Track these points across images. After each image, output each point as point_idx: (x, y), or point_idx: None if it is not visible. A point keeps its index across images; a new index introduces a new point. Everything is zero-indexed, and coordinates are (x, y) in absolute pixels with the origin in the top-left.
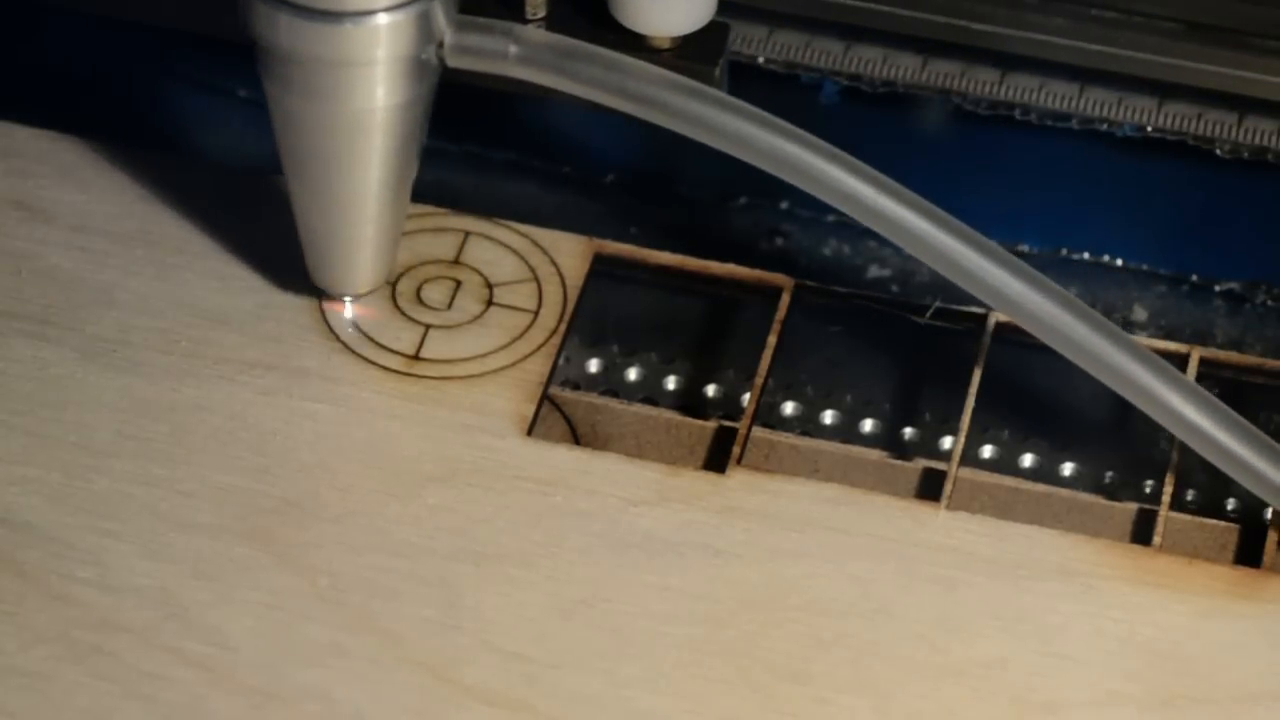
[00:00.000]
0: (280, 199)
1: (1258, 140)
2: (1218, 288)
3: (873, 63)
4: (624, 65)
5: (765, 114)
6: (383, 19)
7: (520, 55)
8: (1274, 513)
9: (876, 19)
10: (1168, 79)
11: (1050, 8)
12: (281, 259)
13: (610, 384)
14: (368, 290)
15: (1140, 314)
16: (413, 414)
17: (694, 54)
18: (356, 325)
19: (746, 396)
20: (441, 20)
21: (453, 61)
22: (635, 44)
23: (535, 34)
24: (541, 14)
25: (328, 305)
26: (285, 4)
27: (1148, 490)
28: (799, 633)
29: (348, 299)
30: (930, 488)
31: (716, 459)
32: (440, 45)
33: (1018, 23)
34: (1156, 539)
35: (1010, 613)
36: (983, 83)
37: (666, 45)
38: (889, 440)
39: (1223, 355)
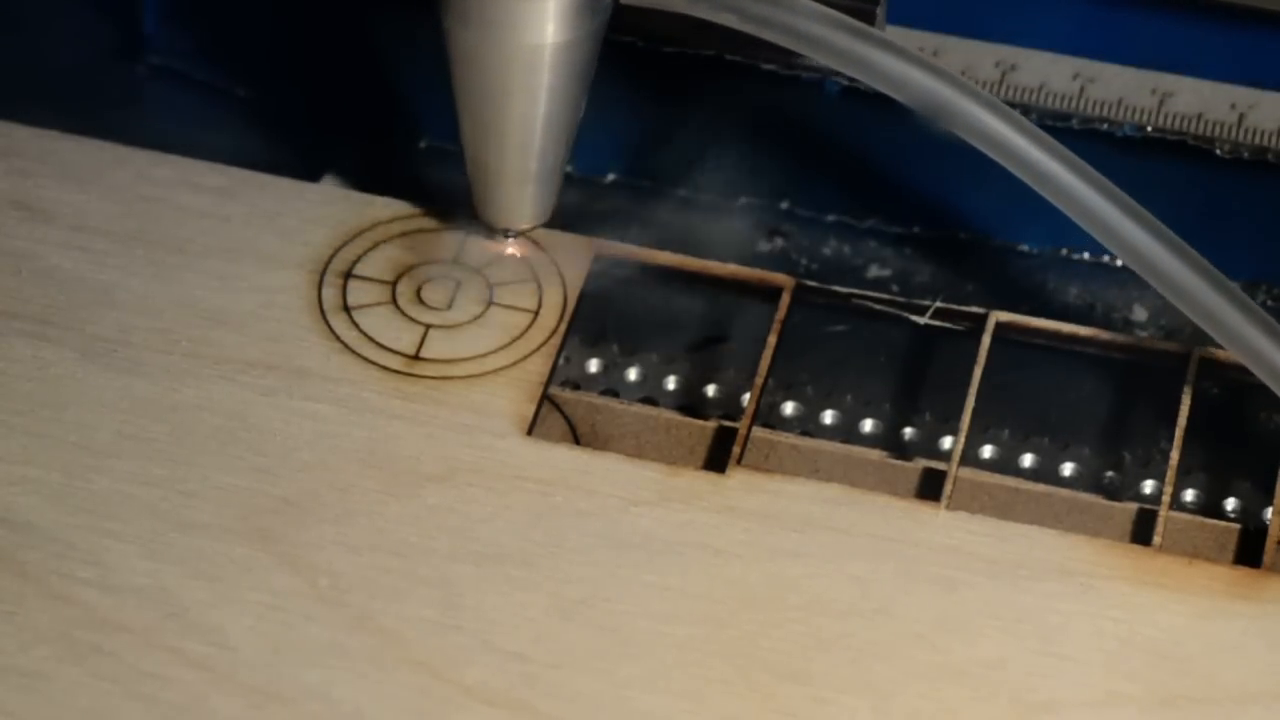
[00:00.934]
0: (280, 198)
1: (1258, 140)
2: None
3: None
4: (792, 2)
5: (923, 57)
6: None
7: None
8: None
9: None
10: None
11: None
12: (281, 259)
13: (610, 384)
14: (530, 226)
15: (1140, 314)
16: (413, 414)
17: None
18: (358, 325)
19: (746, 396)
20: None
21: None
22: None
23: None
24: None
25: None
26: None
27: (1148, 490)
28: (799, 633)
29: (510, 234)
30: (930, 488)
31: (716, 459)
32: None
33: None
34: (1156, 539)
35: (1010, 613)
36: (983, 83)
37: None
38: (889, 440)
39: (1223, 355)
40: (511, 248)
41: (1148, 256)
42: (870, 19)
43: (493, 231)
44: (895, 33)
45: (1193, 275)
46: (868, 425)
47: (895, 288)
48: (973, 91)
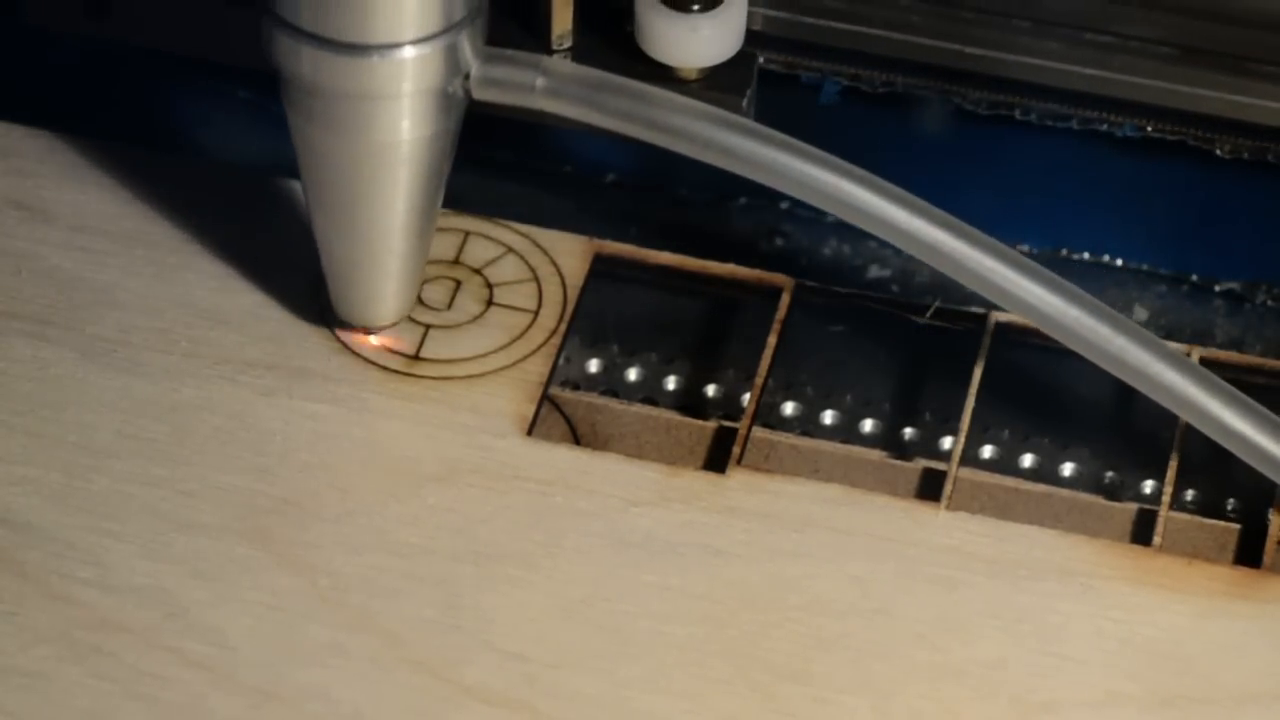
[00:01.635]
0: (280, 199)
1: (1258, 140)
2: (1218, 288)
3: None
4: (653, 97)
5: (797, 141)
6: (409, 52)
7: (547, 88)
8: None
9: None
10: (1162, 103)
11: (1044, 32)
12: (281, 259)
13: (610, 384)
14: (390, 323)
15: (1140, 314)
16: (413, 414)
17: (721, 84)
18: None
19: (746, 396)
20: (468, 52)
21: (479, 94)
22: (662, 75)
23: (563, 66)
24: (568, 44)
25: (344, 335)
26: (309, 35)
27: (1148, 490)
28: (799, 633)
29: (371, 333)
30: (930, 488)
31: (716, 459)
32: (466, 78)
33: (1012, 47)
34: (1156, 539)
35: (1010, 613)
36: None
37: (694, 76)
38: (889, 440)
39: (1223, 355)
40: (377, 340)
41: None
42: (737, 110)
43: (352, 329)
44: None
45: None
46: (868, 425)
47: (895, 288)
48: (851, 173)
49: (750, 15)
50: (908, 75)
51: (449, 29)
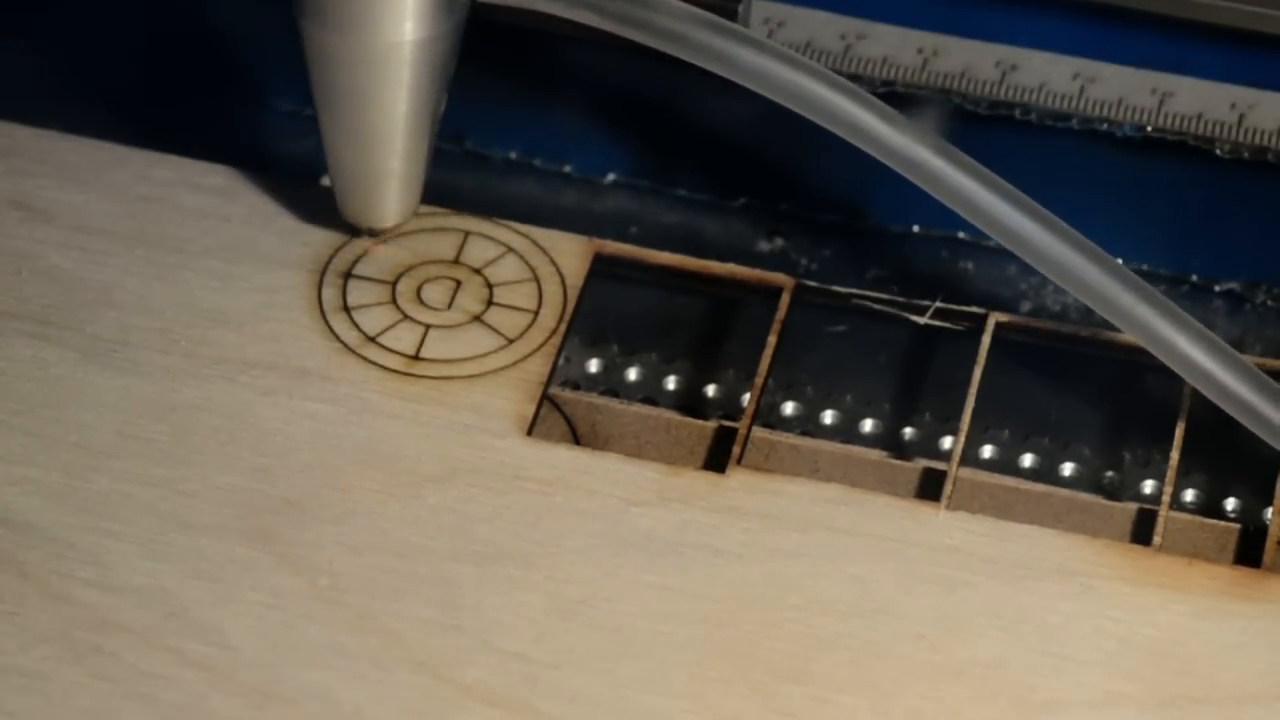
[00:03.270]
0: (280, 199)
1: (1258, 140)
2: (1218, 288)
3: (873, 63)
4: (653, 1)
5: (789, 51)
6: None
7: None
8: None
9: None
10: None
11: None
12: (281, 259)
13: (610, 384)
14: (393, 224)
15: None
16: (413, 414)
17: None
18: (358, 325)
19: (746, 396)
20: None
21: None
22: None
23: None
24: None
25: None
26: None
27: (1148, 490)
28: (799, 633)
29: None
30: (930, 488)
31: (716, 459)
32: None
33: None
34: (1156, 539)
35: (1010, 613)
36: (983, 83)
37: None
38: (889, 440)
39: None
40: (376, 246)
41: (1031, 241)
42: (732, 16)
43: (356, 231)
44: (894, 32)
45: (1071, 250)
46: (868, 425)
47: (895, 288)
48: (841, 85)
49: None
50: (908, 75)
51: None
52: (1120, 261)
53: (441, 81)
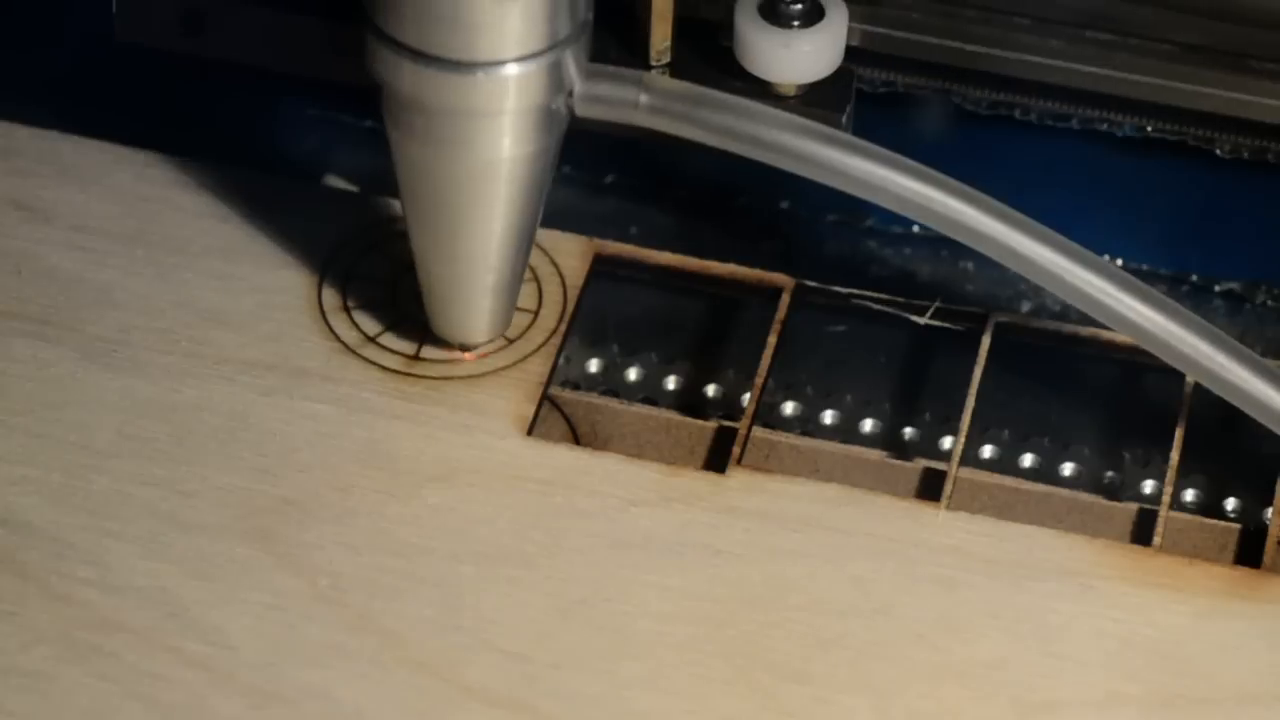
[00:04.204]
0: (281, 199)
1: (1258, 140)
2: (1218, 288)
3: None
4: (756, 113)
5: (897, 156)
6: (513, 69)
7: (651, 104)
8: None
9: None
10: (1163, 101)
11: (1046, 29)
12: (281, 259)
13: (610, 384)
14: (486, 340)
15: None
16: (413, 414)
17: (820, 100)
18: (358, 325)
19: (746, 396)
20: (572, 69)
21: (582, 111)
22: (761, 91)
23: (666, 82)
24: (667, 60)
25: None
26: (414, 51)
27: (1148, 490)
28: (799, 633)
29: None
30: (930, 488)
31: (716, 459)
32: (570, 94)
33: (1013, 44)
34: (1156, 539)
35: (1010, 613)
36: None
37: (792, 93)
38: (889, 440)
39: None
40: (467, 358)
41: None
42: (836, 127)
43: (449, 345)
44: None
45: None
46: (868, 425)
47: (895, 288)
48: (959, 191)
49: None
50: (908, 75)
51: (553, 46)
52: (1119, 262)
53: (539, 195)
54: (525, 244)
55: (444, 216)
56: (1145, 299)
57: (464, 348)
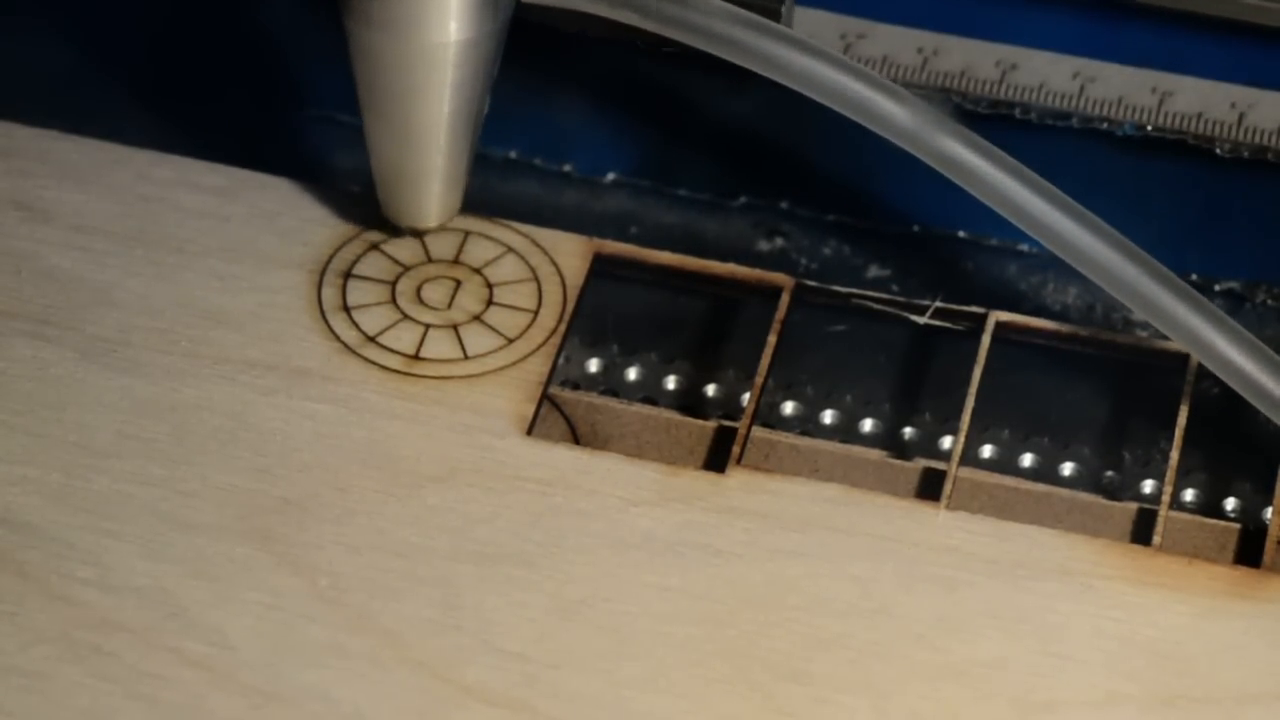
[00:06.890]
0: (281, 199)
1: (1258, 140)
2: (1218, 288)
3: (873, 63)
4: (694, 1)
5: (832, 51)
6: None
7: None
8: None
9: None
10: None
11: None
12: (282, 259)
13: (610, 384)
14: (436, 224)
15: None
16: (413, 414)
17: None
18: (358, 325)
19: (746, 396)
20: None
21: None
22: None
23: None
24: None
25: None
26: None
27: (1148, 490)
28: (799, 633)
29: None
30: (930, 488)
31: (716, 459)
32: None
33: None
34: (1156, 539)
35: (1010, 613)
36: (983, 82)
37: None
38: (889, 440)
39: None
40: (421, 245)
41: (1067, 239)
42: (776, 17)
43: (398, 230)
44: (894, 31)
45: (1105, 248)
46: (868, 425)
47: (895, 288)
48: (884, 86)
49: None
50: (907, 74)
51: None
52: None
53: (485, 82)
54: (471, 130)
55: (395, 100)
56: (1115, 245)
57: (414, 232)
